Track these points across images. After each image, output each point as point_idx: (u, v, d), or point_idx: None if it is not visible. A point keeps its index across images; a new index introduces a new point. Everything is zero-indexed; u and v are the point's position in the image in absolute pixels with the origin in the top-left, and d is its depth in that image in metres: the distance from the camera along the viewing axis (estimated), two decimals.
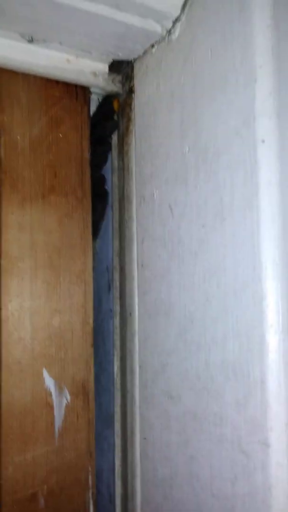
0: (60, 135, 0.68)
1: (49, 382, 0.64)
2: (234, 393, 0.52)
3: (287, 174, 0.49)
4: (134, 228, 0.69)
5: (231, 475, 0.51)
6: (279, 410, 0.47)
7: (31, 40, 0.63)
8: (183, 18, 0.60)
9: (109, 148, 0.77)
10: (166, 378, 0.61)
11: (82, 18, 0.59)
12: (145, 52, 0.67)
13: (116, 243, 0.75)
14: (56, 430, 0.64)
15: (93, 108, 0.74)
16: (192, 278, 0.58)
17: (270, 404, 0.48)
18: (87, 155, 0.70)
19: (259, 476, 0.48)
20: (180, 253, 0.60)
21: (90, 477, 0.66)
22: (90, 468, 0.66)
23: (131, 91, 0.71)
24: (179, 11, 0.60)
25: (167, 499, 0.60)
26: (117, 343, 0.74)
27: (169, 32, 0.62)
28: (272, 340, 0.48)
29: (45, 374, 0.64)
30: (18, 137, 0.64)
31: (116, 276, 0.75)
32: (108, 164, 0.78)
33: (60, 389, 0.65)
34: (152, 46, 0.66)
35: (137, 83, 0.70)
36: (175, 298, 0.60)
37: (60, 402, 0.65)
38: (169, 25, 0.62)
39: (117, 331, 0.74)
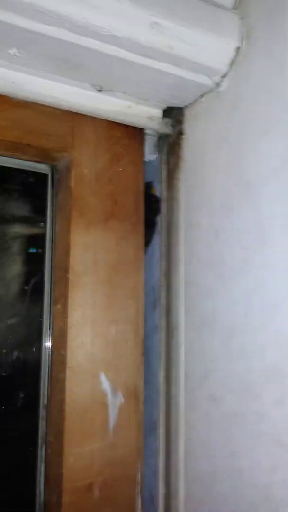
0: (120, 169, 0.78)
1: (106, 384, 0.72)
2: (272, 394, 0.59)
3: None
4: (182, 251, 0.78)
5: (270, 466, 0.58)
6: None
7: (100, 90, 0.75)
8: (230, 73, 0.71)
9: (154, 228, 0.86)
10: (210, 383, 0.69)
11: (146, 73, 0.70)
12: (195, 101, 0.78)
13: (164, 264, 0.84)
14: (111, 427, 0.72)
15: (148, 145, 0.85)
16: (236, 294, 0.66)
17: None
18: (141, 186, 0.80)
19: None
20: (225, 272, 0.69)
21: (139, 473, 0.73)
22: (139, 465, 0.74)
23: (180, 133, 0.82)
24: (227, 68, 0.71)
25: (209, 493, 0.67)
26: (163, 355, 0.82)
27: (218, 85, 0.73)
28: None
29: (102, 377, 0.72)
30: (86, 170, 0.75)
31: (163, 294, 0.83)
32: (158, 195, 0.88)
33: (114, 391, 0.73)
34: (202, 95, 0.77)
35: (187, 126, 0.81)
36: (219, 312, 0.69)
37: (114, 403, 0.73)
38: (218, 79, 0.72)
39: (163, 344, 0.82)
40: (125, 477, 0.72)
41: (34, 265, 0.77)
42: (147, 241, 0.89)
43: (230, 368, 0.66)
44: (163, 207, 0.86)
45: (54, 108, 0.73)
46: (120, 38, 0.63)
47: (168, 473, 0.77)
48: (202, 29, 0.67)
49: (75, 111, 0.75)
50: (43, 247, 0.77)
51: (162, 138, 0.87)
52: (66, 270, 0.72)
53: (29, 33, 0.60)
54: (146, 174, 0.87)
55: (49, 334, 0.75)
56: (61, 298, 0.73)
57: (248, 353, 0.63)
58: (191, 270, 0.76)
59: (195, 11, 0.66)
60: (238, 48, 0.70)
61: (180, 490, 0.73)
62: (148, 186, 0.87)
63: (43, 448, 0.73)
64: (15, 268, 0.78)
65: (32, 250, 0.78)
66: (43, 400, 0.74)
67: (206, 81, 0.73)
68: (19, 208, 0.77)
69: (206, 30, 0.67)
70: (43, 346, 0.75)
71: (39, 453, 0.73)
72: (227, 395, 0.66)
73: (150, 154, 0.89)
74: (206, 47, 0.68)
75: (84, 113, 0.76)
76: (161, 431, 0.80)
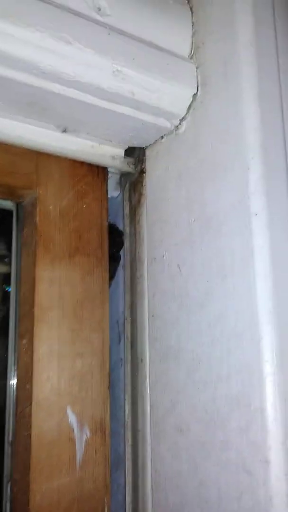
0: (84, 205, 0.81)
1: (72, 419, 0.72)
2: (237, 421, 0.61)
3: (276, 240, 0.63)
4: (146, 284, 0.81)
5: (237, 494, 0.60)
6: (276, 431, 0.57)
7: (64, 131, 0.78)
8: (188, 117, 0.76)
9: (118, 262, 0.90)
10: (176, 414, 0.71)
11: (109, 116, 0.73)
12: (155, 142, 0.83)
13: (128, 297, 0.86)
14: (78, 462, 0.71)
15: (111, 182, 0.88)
16: (199, 325, 0.69)
17: (268, 427, 0.58)
18: (105, 222, 0.83)
19: (261, 491, 0.57)
20: (188, 304, 0.71)
21: (106, 508, 0.73)
22: (106, 500, 0.73)
23: (142, 171, 0.86)
24: (185, 112, 0.76)
25: None
26: (128, 387, 0.83)
27: (177, 127, 0.78)
28: (269, 372, 0.59)
29: (69, 411, 0.72)
30: (51, 207, 0.77)
31: (128, 327, 0.85)
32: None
33: (81, 426, 0.73)
34: (162, 137, 0.81)
35: (148, 165, 0.84)
36: (183, 343, 0.71)
37: (81, 437, 0.73)
38: (177, 122, 0.77)
39: (128, 377, 0.83)
40: None
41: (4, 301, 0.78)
42: (111, 275, 0.91)
43: (195, 398, 0.68)
44: (127, 242, 0.89)
45: (19, 147, 0.76)
46: (84, 83, 0.66)
47: (135, 507, 0.77)
48: (161, 76, 0.71)
49: (40, 150, 0.77)
50: (8, 283, 0.78)
51: (124, 175, 0.90)
52: (31, 305, 0.73)
53: None
54: (109, 210, 0.90)
55: (14, 370, 0.75)
56: (27, 333, 0.73)
57: (213, 383, 0.65)
58: (155, 302, 0.78)
59: (155, 60, 0.71)
60: (194, 94, 0.75)
61: None
62: (111, 222, 0.89)
63: (8, 487, 0.71)
64: None
65: (8, 289, 0.79)
66: (8, 437, 0.73)
67: (166, 124, 0.77)
68: None
69: (165, 78, 0.72)
70: (8, 382, 0.75)
71: (4, 491, 0.71)
72: (193, 425, 0.68)
73: (112, 191, 0.93)
74: (165, 94, 0.72)
75: (49, 152, 0.78)
76: (128, 464, 0.80)
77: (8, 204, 0.80)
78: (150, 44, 0.71)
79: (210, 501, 0.63)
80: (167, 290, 0.76)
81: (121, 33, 0.68)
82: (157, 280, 0.78)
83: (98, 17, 0.67)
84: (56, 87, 0.66)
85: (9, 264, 0.79)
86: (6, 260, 0.79)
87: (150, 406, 0.76)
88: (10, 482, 0.72)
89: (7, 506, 0.71)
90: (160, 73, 0.71)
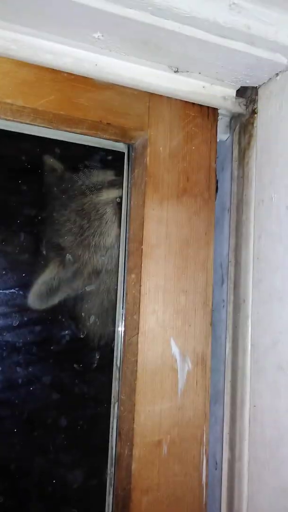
0: (193, 147, 0.82)
1: (175, 350, 0.77)
2: None
3: None
4: (251, 227, 0.81)
5: None
6: None
7: (176, 71, 0.78)
8: None
9: None
10: (277, 352, 0.72)
11: (222, 53, 0.72)
12: (269, 80, 0.80)
13: (233, 241, 0.87)
14: (179, 390, 0.76)
15: (220, 125, 0.88)
16: None
17: None
18: (214, 164, 0.83)
19: None
20: None
21: (204, 435, 0.78)
22: (204, 428, 0.78)
23: (254, 112, 0.84)
24: None
25: (274, 457, 0.70)
26: (230, 327, 0.85)
27: None
28: None
29: (172, 343, 0.77)
30: (161, 148, 0.79)
31: (232, 269, 0.86)
32: (228, 174, 0.91)
33: (183, 357, 0.77)
34: (277, 74, 0.78)
35: (260, 105, 0.82)
36: None
37: (183, 368, 0.77)
38: None
39: (230, 317, 0.85)
40: (192, 438, 0.77)
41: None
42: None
43: None
44: (234, 185, 0.88)
45: (132, 88, 0.78)
46: (199, 19, 0.66)
47: (232, 438, 0.81)
48: (280, 8, 0.68)
49: (151, 91, 0.79)
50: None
51: (234, 117, 0.89)
52: (140, 242, 0.77)
53: (113, 16, 0.64)
54: (218, 153, 0.90)
55: (123, 302, 0.80)
56: (135, 268, 0.77)
57: None
58: (260, 245, 0.78)
59: None
60: None
61: (244, 454, 0.77)
62: None
63: (116, 406, 0.79)
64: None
65: None
66: (117, 362, 0.80)
67: (282, 59, 0.74)
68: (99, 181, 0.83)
69: (284, 8, 0.68)
70: (117, 312, 0.81)
71: (112, 410, 0.79)
72: None
73: (222, 134, 0.92)
74: (283, 26, 0.69)
75: (160, 93, 0.79)
76: (227, 399, 0.84)
77: (120, 146, 0.83)
78: None
79: None
80: (273, 233, 0.75)
81: None
82: (264, 222, 0.78)
83: None
84: (171, 24, 0.66)
85: (121, 202, 0.83)
86: (118, 199, 0.83)
87: (251, 344, 0.78)
88: (117, 403, 0.79)
89: (114, 423, 0.78)
90: (279, 3, 0.68)
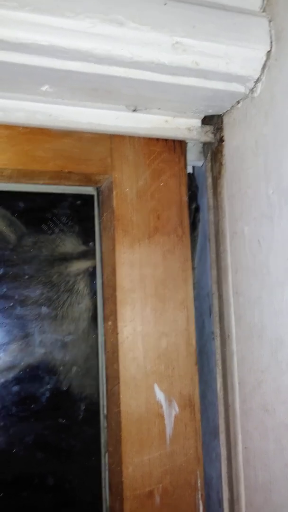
0: (162, 183, 0.80)
1: (160, 396, 0.75)
2: None
3: None
4: (229, 260, 0.78)
5: None
6: None
7: (135, 109, 0.76)
8: (263, 78, 0.70)
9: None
10: (262, 393, 0.69)
11: (176, 89, 0.70)
12: (232, 107, 0.77)
13: (214, 272, 0.84)
14: (167, 436, 0.74)
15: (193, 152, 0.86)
16: (280, 304, 0.65)
17: None
18: (185, 198, 0.81)
19: None
20: (269, 282, 0.68)
21: (198, 480, 0.75)
22: (198, 472, 0.76)
23: (221, 140, 0.81)
24: (259, 73, 0.69)
25: (267, 503, 0.68)
26: (219, 362, 0.83)
27: (252, 90, 0.72)
28: None
29: (156, 388, 0.75)
30: (127, 189, 0.77)
31: (215, 301, 0.84)
32: (205, 203, 0.88)
33: (169, 402, 0.75)
34: (238, 102, 0.76)
35: (227, 133, 0.80)
36: (266, 322, 0.68)
37: (170, 413, 0.75)
38: (252, 85, 0.71)
39: (219, 351, 0.83)
40: (186, 484, 0.75)
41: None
42: (194, 249, 0.90)
43: (279, 379, 0.66)
44: (210, 214, 0.86)
45: (92, 133, 0.76)
46: (144, 62, 0.64)
47: (230, 479, 0.78)
48: (228, 39, 0.66)
49: (112, 133, 0.77)
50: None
51: (206, 144, 0.87)
52: (113, 288, 0.75)
53: (56, 71, 0.63)
54: (195, 180, 0.88)
55: (103, 350, 0.79)
56: (111, 315, 0.76)
57: None
58: (238, 279, 0.76)
59: (219, 22, 0.65)
60: (268, 52, 0.68)
61: (241, 497, 0.74)
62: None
63: (106, 457, 0.77)
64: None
65: None
66: (103, 411, 0.78)
67: (240, 88, 0.72)
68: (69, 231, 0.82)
69: (233, 39, 0.66)
70: (100, 360, 0.79)
71: (103, 460, 0.77)
72: (278, 406, 0.66)
73: (196, 161, 0.90)
74: (234, 57, 0.67)
75: (121, 133, 0.78)
76: (222, 437, 0.81)
77: (89, 190, 0.82)
78: (213, 5, 0.66)
79: None
80: (248, 267, 0.73)
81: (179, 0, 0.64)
82: (239, 256, 0.75)
83: None
84: (116, 70, 0.65)
85: (94, 248, 0.82)
86: (91, 245, 0.82)
87: (238, 383, 0.75)
88: (107, 453, 0.77)
89: (105, 474, 0.77)
90: (227, 35, 0.66)
